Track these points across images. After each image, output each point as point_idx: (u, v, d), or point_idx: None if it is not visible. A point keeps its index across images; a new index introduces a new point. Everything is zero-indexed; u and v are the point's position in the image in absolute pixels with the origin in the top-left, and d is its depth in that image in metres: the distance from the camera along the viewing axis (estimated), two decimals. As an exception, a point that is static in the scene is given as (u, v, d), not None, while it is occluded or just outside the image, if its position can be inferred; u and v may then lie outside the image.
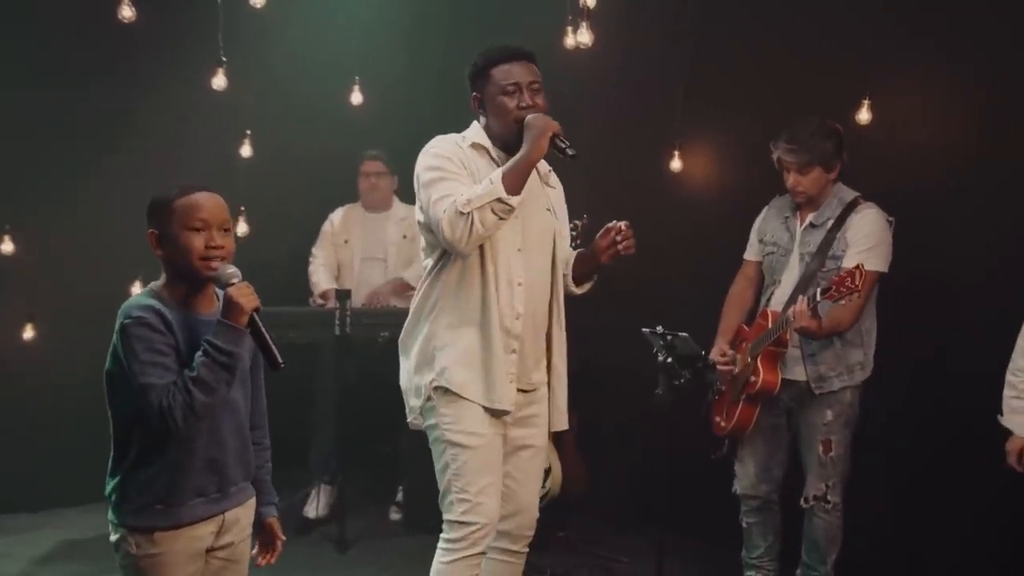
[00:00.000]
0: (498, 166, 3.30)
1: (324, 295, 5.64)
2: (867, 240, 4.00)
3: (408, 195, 5.84)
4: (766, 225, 4.36)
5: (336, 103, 5.75)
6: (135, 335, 2.53)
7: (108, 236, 5.29)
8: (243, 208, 5.67)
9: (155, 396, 2.49)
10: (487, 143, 3.39)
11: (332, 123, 5.93)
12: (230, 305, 2.58)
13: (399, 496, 5.76)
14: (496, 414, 3.31)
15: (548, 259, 3.45)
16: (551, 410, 3.51)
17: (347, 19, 5.91)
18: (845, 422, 4.10)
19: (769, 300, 4.25)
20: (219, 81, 4.95)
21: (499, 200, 3.11)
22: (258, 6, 4.63)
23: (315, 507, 5.57)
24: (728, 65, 5.07)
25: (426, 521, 5.32)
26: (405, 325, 3.46)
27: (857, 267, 3.65)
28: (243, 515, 2.82)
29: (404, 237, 5.79)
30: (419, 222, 3.38)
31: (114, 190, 5.17)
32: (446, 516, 3.36)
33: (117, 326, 2.57)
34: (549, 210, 3.48)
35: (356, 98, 5.71)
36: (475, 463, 3.29)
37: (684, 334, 4.12)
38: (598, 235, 3.43)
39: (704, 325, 4.39)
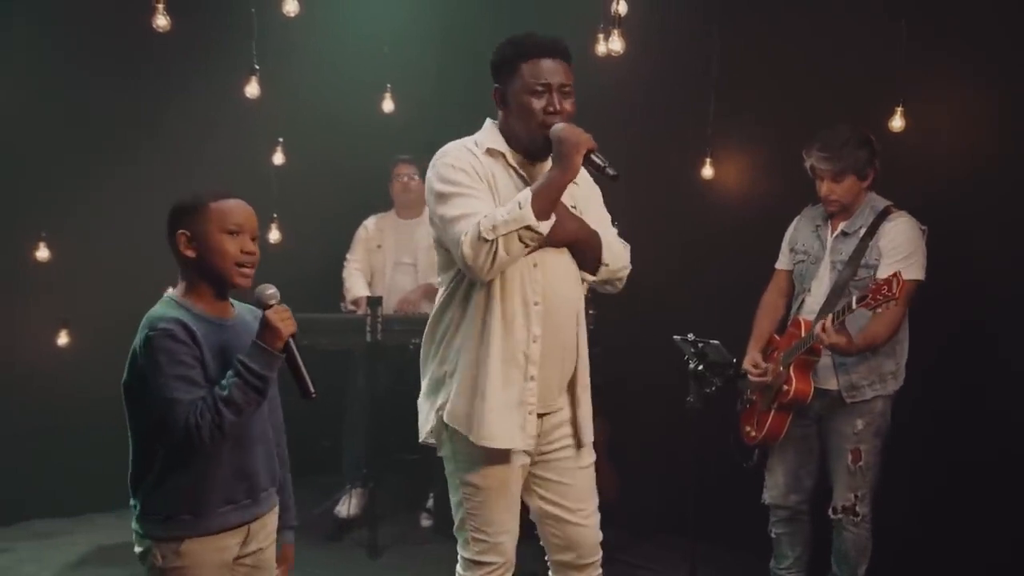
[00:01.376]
0: (516, 173, 3.05)
1: (356, 302, 5.66)
2: (902, 249, 3.96)
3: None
4: (797, 234, 4.34)
5: (368, 111, 5.78)
6: (161, 348, 2.49)
7: (142, 242, 5.31)
8: (275, 215, 5.71)
9: (181, 412, 2.47)
10: (503, 147, 3.07)
11: (363, 131, 5.95)
12: (268, 328, 2.56)
13: (430, 503, 5.77)
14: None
15: (572, 269, 3.12)
16: (576, 424, 3.19)
17: (379, 27, 5.94)
18: (875, 432, 4.07)
19: (800, 308, 4.23)
20: (252, 89, 4.99)
21: (528, 228, 2.82)
22: (291, 15, 4.66)
23: (347, 507, 5.58)
24: (759, 72, 5.06)
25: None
26: (423, 342, 3.22)
27: (895, 275, 3.61)
28: (269, 522, 2.80)
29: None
30: (434, 238, 3.12)
31: (147, 197, 5.18)
32: (461, 552, 3.17)
33: (141, 338, 2.53)
34: (574, 208, 3.11)
35: (387, 106, 5.74)
36: (493, 503, 3.08)
37: (715, 341, 4.11)
38: None
39: (735, 333, 4.37)
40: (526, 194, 2.87)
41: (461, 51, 6.34)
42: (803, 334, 4.06)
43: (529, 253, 2.94)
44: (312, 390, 2.64)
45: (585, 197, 3.19)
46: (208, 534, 2.62)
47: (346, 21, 6.05)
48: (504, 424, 3.00)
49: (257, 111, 5.24)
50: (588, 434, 3.22)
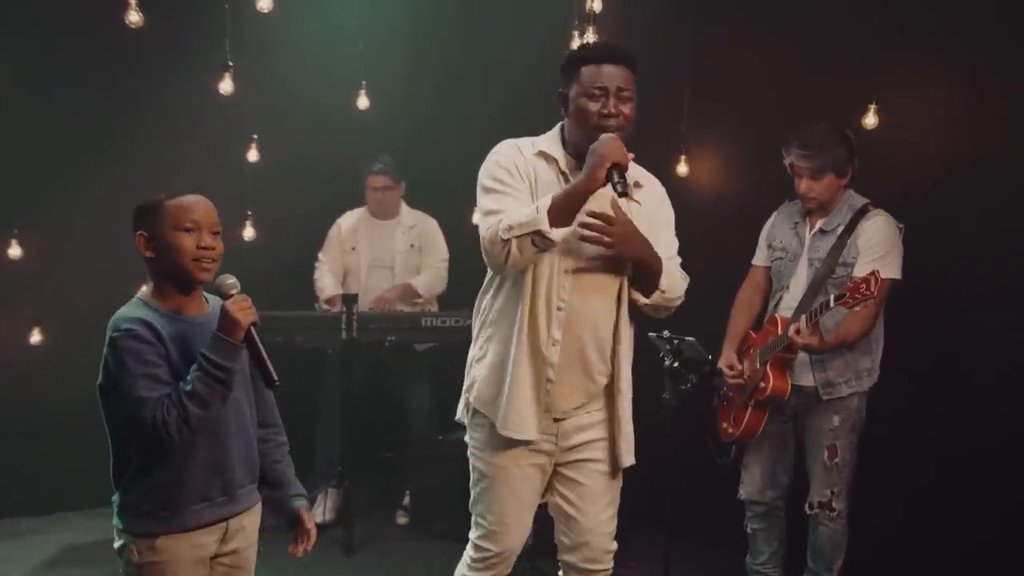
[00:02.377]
0: (565, 180, 3.08)
1: (330, 301, 5.64)
2: (879, 247, 3.99)
3: (415, 200, 5.90)
4: (775, 230, 4.36)
5: (342, 107, 5.76)
6: (125, 348, 2.51)
7: (115, 240, 5.27)
8: (250, 213, 5.68)
9: (148, 410, 2.47)
10: (557, 152, 3.12)
11: (338, 128, 5.93)
12: (227, 319, 2.56)
13: (406, 500, 5.76)
14: (520, 442, 3.12)
15: (611, 283, 3.14)
16: (618, 440, 3.22)
17: (353, 24, 5.91)
18: (851, 428, 4.09)
19: (778, 305, 4.24)
20: (226, 86, 4.96)
21: (539, 233, 2.88)
22: (265, 11, 4.64)
23: (322, 511, 5.57)
24: (733, 69, 5.07)
25: (432, 525, 5.35)
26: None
27: (872, 273, 3.64)
28: (248, 522, 2.80)
29: (412, 246, 5.79)
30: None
31: (121, 194, 5.12)
32: (470, 532, 3.29)
33: (107, 339, 2.55)
34: None
35: (362, 103, 5.71)
36: (496, 491, 3.18)
37: (691, 338, 4.11)
38: None
39: (711, 329, 4.38)
40: (547, 200, 2.93)
41: (436, 48, 6.33)
42: (780, 331, 4.08)
43: (539, 252, 2.97)
44: (275, 378, 2.65)
45: (648, 220, 3.17)
46: (184, 530, 2.63)
47: (320, 17, 6.03)
48: (524, 417, 3.10)
49: (231, 108, 5.21)
50: (627, 458, 3.25)
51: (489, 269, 3.17)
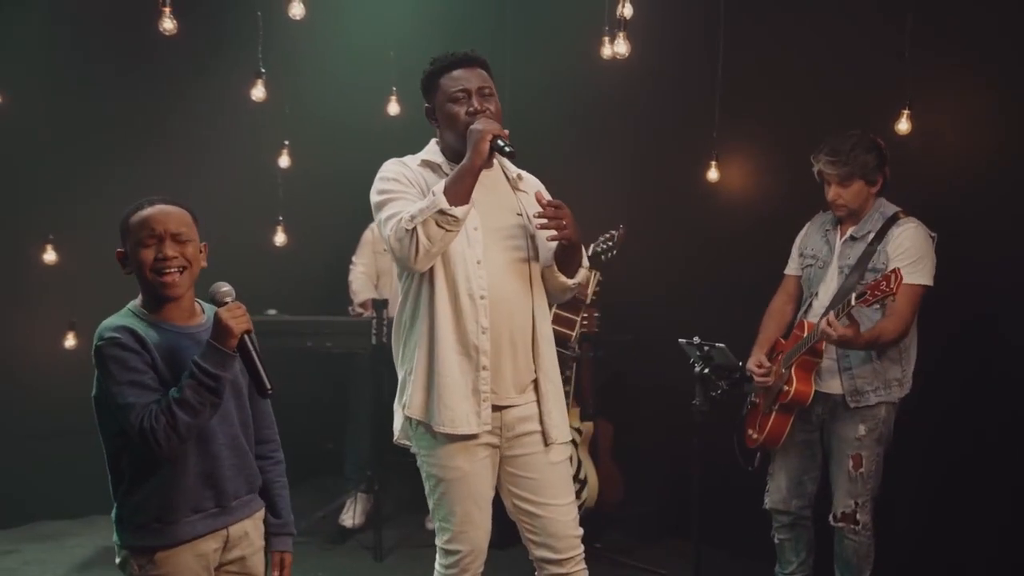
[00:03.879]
0: None
1: (364, 304, 5.66)
2: (909, 254, 3.95)
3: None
4: (807, 239, 4.34)
5: (373, 113, 5.78)
6: (110, 356, 2.51)
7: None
8: (281, 218, 5.71)
9: (135, 417, 2.47)
10: (439, 159, 3.29)
11: (369, 133, 5.94)
12: (220, 327, 2.54)
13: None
14: (463, 437, 3.17)
15: (522, 269, 3.26)
16: (543, 421, 3.27)
17: (384, 31, 5.94)
18: (877, 438, 4.05)
19: (806, 311, 4.22)
20: (258, 92, 5.00)
21: (441, 212, 2.98)
22: (297, 18, 4.67)
23: (351, 516, 5.59)
24: (764, 75, 5.05)
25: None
26: (392, 347, 3.40)
27: (893, 271, 3.62)
28: (251, 528, 2.79)
29: None
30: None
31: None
32: (436, 540, 3.32)
33: (92, 349, 2.56)
34: (520, 215, 3.30)
35: (393, 109, 5.74)
36: (453, 494, 3.22)
37: (721, 344, 4.10)
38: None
39: (741, 336, 4.37)
40: (440, 184, 3.07)
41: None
42: (806, 335, 4.05)
43: (453, 239, 3.08)
44: (268, 387, 2.63)
45: (533, 204, 3.28)
46: (178, 543, 2.62)
47: (351, 24, 6.05)
48: (460, 410, 3.15)
49: (263, 114, 5.24)
50: (557, 433, 3.30)
51: (402, 276, 3.27)
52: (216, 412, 2.58)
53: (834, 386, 4.08)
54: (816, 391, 4.08)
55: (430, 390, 3.17)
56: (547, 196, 3.25)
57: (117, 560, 2.68)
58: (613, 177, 5.62)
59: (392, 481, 5.62)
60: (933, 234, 4.02)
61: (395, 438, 3.40)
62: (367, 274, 5.84)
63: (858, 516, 4.05)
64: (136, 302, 2.69)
